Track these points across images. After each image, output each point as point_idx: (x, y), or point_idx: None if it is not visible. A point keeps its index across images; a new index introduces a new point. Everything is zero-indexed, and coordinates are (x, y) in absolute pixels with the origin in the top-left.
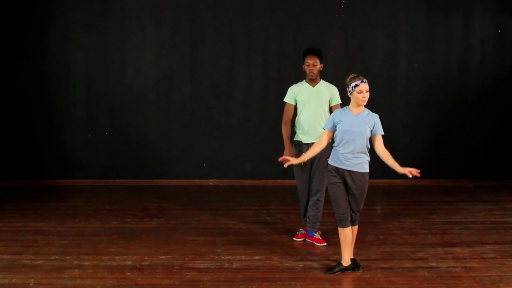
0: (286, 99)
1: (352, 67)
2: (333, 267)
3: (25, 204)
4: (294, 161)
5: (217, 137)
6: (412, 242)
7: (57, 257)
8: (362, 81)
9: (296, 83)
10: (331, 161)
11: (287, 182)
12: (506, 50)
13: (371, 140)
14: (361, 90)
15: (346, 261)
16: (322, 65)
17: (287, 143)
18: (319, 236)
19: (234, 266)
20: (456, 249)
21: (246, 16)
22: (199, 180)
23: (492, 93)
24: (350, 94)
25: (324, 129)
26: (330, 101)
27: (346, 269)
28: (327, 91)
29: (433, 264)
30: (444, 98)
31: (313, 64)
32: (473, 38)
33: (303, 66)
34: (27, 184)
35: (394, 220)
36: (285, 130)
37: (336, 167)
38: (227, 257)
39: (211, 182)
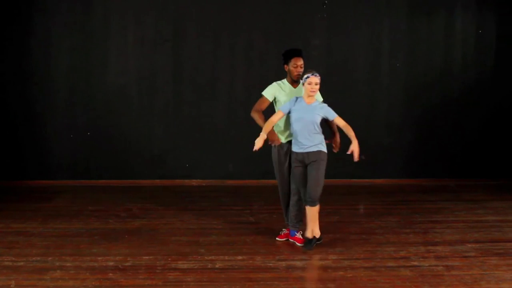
0: (265, 93)
1: (334, 67)
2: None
3: (6, 205)
4: (258, 143)
5: (200, 137)
6: (394, 241)
7: (38, 258)
8: (313, 74)
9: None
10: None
11: (270, 182)
12: (487, 50)
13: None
14: (310, 81)
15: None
16: None
17: (266, 128)
18: (300, 236)
19: (217, 266)
20: (438, 248)
21: (229, 16)
22: (182, 180)
23: (473, 93)
24: (302, 84)
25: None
26: None
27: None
28: None
29: (415, 263)
30: (426, 98)
31: (301, 66)
32: (454, 38)
33: (286, 66)
34: (8, 184)
35: (376, 220)
36: (258, 116)
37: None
38: (210, 257)
39: (194, 182)
